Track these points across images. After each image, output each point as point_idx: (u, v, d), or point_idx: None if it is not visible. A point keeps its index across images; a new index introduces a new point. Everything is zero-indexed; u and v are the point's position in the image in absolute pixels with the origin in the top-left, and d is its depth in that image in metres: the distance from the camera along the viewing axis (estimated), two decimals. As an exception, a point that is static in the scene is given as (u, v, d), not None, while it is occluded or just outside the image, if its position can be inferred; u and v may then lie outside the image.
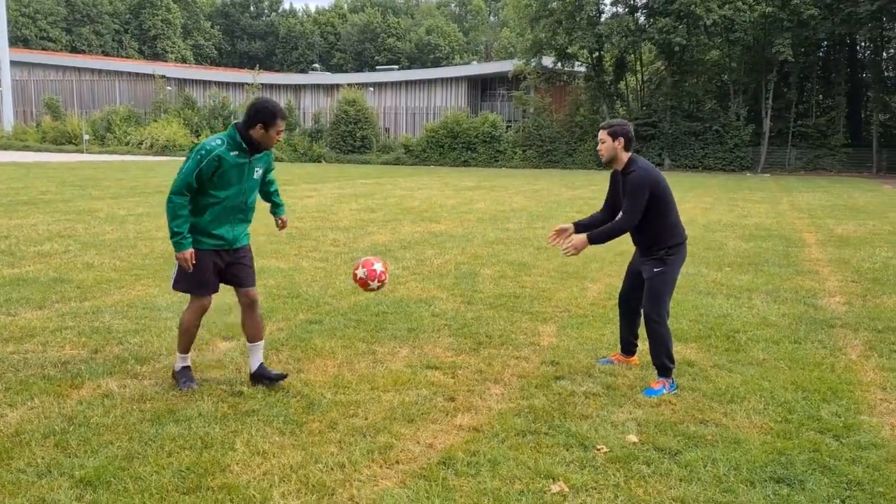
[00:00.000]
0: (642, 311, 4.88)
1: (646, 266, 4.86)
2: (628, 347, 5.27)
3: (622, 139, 4.75)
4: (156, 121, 49.21)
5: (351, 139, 46.06)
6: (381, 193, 20.08)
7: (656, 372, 4.82)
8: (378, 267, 4.90)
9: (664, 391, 4.65)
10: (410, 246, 10.50)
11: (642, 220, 4.72)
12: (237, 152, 4.34)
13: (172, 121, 48.68)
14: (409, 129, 50.08)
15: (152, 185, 20.95)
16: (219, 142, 4.31)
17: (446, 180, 27.41)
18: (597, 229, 4.85)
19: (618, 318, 5.32)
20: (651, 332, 4.79)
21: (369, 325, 6.09)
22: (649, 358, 5.04)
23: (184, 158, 4.38)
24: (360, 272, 4.89)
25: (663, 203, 4.76)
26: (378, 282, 4.89)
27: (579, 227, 5.02)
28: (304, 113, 51.19)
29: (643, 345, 5.22)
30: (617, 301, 5.30)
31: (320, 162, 43.86)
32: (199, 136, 47.96)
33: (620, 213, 4.79)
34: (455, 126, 44.15)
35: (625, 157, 4.83)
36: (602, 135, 4.81)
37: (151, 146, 46.68)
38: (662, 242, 4.81)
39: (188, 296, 4.59)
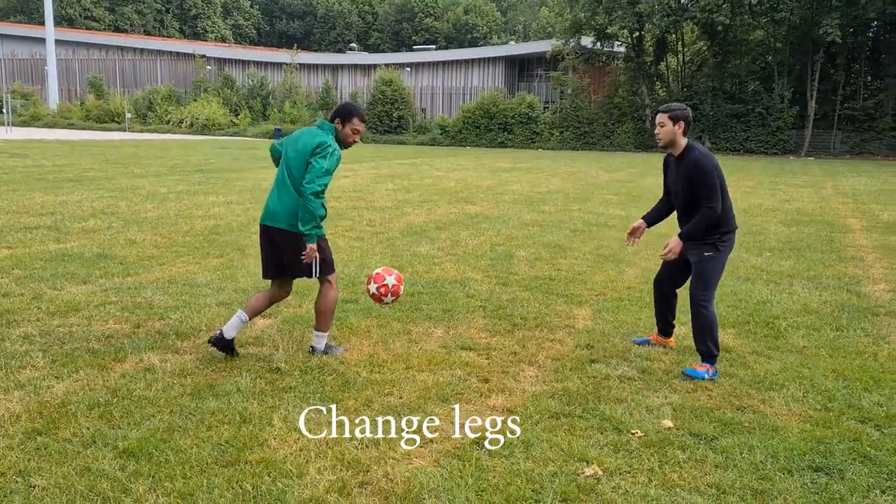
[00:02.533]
0: (690, 294, 4.80)
1: (696, 251, 4.77)
2: (665, 329, 5.25)
3: (682, 123, 4.69)
4: (195, 100, 49.84)
5: (388, 119, 46.15)
6: (417, 174, 20.08)
7: (700, 357, 4.77)
8: (391, 280, 4.93)
9: (706, 375, 4.61)
10: (446, 227, 10.50)
11: (699, 205, 4.65)
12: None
13: (212, 100, 49.27)
14: (445, 109, 49.94)
15: (192, 163, 21.25)
16: (331, 137, 4.64)
17: (482, 161, 27.30)
18: (687, 226, 4.73)
19: (653, 302, 5.30)
20: (697, 316, 4.74)
21: (404, 305, 6.12)
22: (687, 342, 4.99)
23: (270, 141, 4.66)
24: (373, 288, 4.94)
25: (722, 189, 4.71)
26: (392, 296, 4.94)
27: (650, 220, 5.07)
28: (340, 93, 51.35)
29: (681, 329, 5.17)
30: (647, 281, 5.27)
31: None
32: (238, 114, 48.50)
33: (703, 203, 4.64)
34: (491, 107, 43.93)
35: (683, 142, 4.77)
36: (662, 118, 4.74)
37: (192, 125, 47.31)
38: (717, 228, 4.70)
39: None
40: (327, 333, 4.87)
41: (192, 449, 3.43)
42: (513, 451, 3.54)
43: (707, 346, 4.70)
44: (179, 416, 3.79)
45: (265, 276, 4.88)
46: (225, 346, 4.66)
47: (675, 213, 5.02)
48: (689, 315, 4.86)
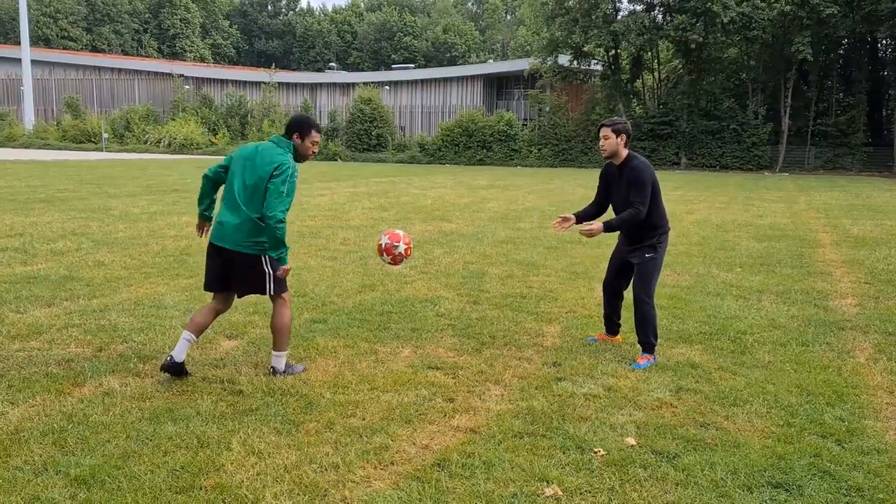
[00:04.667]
0: (633, 293, 5.32)
1: (636, 253, 5.33)
2: (612, 328, 5.74)
3: (624, 136, 5.18)
4: (174, 119, 49.64)
5: (367, 137, 46.19)
6: (395, 192, 20.09)
7: (640, 349, 5.31)
8: (401, 233, 5.26)
9: (649, 364, 5.15)
10: (420, 245, 10.49)
11: (627, 204, 5.19)
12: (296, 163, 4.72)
13: (190, 119, 49.10)
14: (424, 127, 50.10)
15: (168, 183, 21.11)
16: (289, 156, 4.60)
17: (460, 179, 27.38)
18: (611, 219, 5.23)
19: (623, 316, 5.66)
20: (640, 311, 5.27)
21: (373, 324, 6.09)
22: (631, 347, 5.01)
23: (211, 163, 4.62)
24: (384, 240, 5.22)
25: (658, 194, 5.24)
26: (404, 244, 5.21)
27: (580, 217, 5.47)
28: (320, 111, 51.34)
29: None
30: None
31: (336, 160, 43.99)
32: (217, 133, 48.36)
33: (632, 204, 5.14)
34: (470, 124, 44.11)
35: (624, 152, 5.26)
36: (605, 131, 5.21)
37: (169, 145, 47.09)
38: (655, 230, 5.27)
39: (206, 295, 4.72)
40: (286, 352, 4.83)
41: (147, 475, 3.37)
42: (474, 472, 3.51)
43: (649, 338, 5.25)
44: (135, 442, 3.72)
45: (208, 288, 4.85)
46: (177, 370, 4.60)
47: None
48: (633, 312, 5.33)
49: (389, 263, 5.34)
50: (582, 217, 5.48)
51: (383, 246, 5.22)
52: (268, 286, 4.66)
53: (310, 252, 9.64)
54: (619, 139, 5.16)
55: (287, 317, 4.76)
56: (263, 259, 4.60)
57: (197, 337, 4.73)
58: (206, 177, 4.86)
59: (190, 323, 4.75)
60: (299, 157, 4.71)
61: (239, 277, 4.66)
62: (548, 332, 6.02)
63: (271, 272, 4.62)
